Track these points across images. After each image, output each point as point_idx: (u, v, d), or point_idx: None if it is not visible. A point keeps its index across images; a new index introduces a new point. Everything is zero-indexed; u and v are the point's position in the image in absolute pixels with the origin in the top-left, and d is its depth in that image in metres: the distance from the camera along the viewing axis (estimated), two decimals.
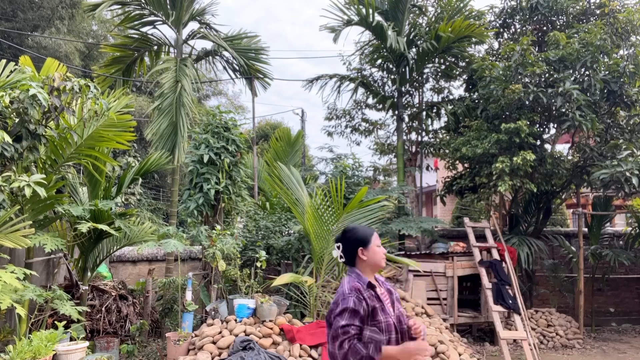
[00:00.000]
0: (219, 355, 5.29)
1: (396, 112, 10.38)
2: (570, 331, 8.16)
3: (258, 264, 6.42)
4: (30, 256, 5.48)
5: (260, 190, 10.43)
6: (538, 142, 8.63)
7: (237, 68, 9.70)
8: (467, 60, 9.93)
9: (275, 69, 42.99)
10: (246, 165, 7.88)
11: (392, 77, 10.66)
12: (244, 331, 5.57)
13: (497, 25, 9.70)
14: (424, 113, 10.56)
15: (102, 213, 5.94)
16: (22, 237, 4.58)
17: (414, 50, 9.82)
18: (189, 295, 6.06)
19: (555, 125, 8.76)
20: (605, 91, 7.89)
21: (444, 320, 7.56)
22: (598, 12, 8.65)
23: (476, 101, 9.10)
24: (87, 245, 6.30)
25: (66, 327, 5.11)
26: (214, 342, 5.46)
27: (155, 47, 9.32)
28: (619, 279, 9.92)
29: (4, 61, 5.39)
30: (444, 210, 16.36)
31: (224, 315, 5.97)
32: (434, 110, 10.47)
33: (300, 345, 5.57)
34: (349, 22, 9.48)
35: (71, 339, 5.16)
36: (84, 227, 5.48)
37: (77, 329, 5.29)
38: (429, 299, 7.88)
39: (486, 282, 7.56)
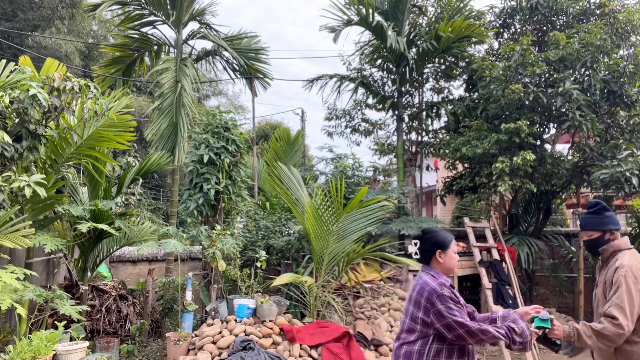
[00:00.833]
0: (219, 355, 5.29)
1: (396, 112, 10.38)
2: None
3: (258, 264, 6.42)
4: (30, 256, 5.48)
5: (260, 190, 10.43)
6: (538, 142, 8.63)
7: (237, 68, 9.70)
8: (467, 60, 9.93)
9: (275, 69, 43.05)
10: (246, 165, 7.88)
11: (392, 77, 10.66)
12: (244, 331, 5.57)
13: (497, 25, 9.70)
14: (424, 113, 10.56)
15: (102, 213, 5.94)
16: (22, 237, 4.58)
17: (414, 50, 9.82)
18: (189, 295, 6.06)
19: (555, 125, 8.76)
20: (605, 91, 7.89)
21: None
22: (598, 12, 8.65)
23: (476, 101, 9.10)
24: (87, 245, 6.30)
25: (66, 327, 5.10)
26: (214, 342, 5.46)
27: (155, 47, 9.32)
28: None
29: (4, 61, 5.39)
30: (444, 210, 16.35)
31: (224, 315, 5.97)
32: (434, 110, 10.46)
33: (300, 345, 5.57)
34: (349, 22, 9.48)
35: (71, 339, 5.16)
36: (84, 227, 5.48)
37: (77, 329, 5.29)
38: None
39: (486, 282, 7.56)
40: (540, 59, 7.85)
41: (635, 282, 2.64)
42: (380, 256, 7.00)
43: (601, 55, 7.86)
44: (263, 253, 6.44)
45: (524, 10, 9.04)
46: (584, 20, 8.84)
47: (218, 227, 6.50)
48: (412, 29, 9.84)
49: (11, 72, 5.30)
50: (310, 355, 5.53)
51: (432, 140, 11.01)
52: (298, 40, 70.92)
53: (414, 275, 7.91)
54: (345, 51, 35.92)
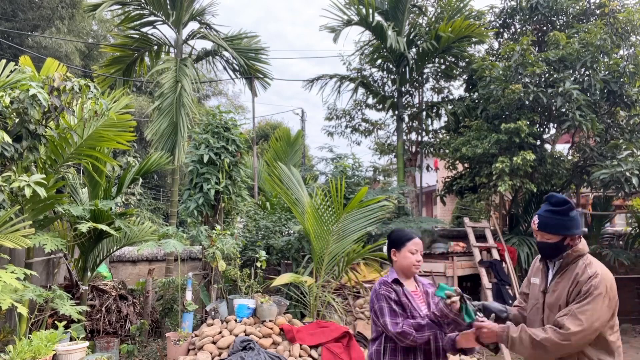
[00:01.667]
0: (219, 355, 5.29)
1: (396, 112, 10.38)
2: None
3: (258, 264, 6.41)
4: (30, 256, 5.48)
5: (260, 190, 10.43)
6: (538, 142, 8.63)
7: (237, 68, 9.69)
8: (467, 60, 9.94)
9: (275, 69, 43.02)
10: (246, 165, 7.88)
11: (392, 77, 10.66)
12: (244, 331, 5.57)
13: (497, 25, 9.70)
14: (424, 113, 10.57)
15: (102, 213, 5.93)
16: (22, 237, 4.58)
17: (414, 50, 9.82)
18: (189, 295, 6.06)
19: (555, 125, 8.76)
20: (605, 91, 7.89)
21: None
22: (598, 12, 8.65)
23: (476, 101, 9.11)
24: (87, 245, 6.30)
25: (66, 327, 5.10)
26: (214, 342, 5.45)
27: (155, 47, 9.32)
28: (619, 279, 9.85)
29: (4, 61, 5.39)
30: (444, 210, 16.35)
31: (224, 315, 5.97)
32: (434, 110, 10.47)
33: (300, 345, 5.57)
34: (349, 22, 9.49)
35: (71, 339, 5.16)
36: (84, 227, 5.48)
37: (77, 329, 5.29)
38: None
39: (486, 282, 7.56)
40: (540, 59, 7.85)
41: (606, 295, 2.29)
42: (380, 256, 7.00)
43: (601, 55, 7.87)
44: (263, 253, 6.44)
45: (524, 10, 9.04)
46: (584, 20, 8.85)
47: (218, 227, 6.50)
48: (412, 29, 9.84)
49: (11, 72, 5.30)
50: (310, 355, 5.53)
51: (432, 140, 11.02)
52: (298, 40, 70.96)
53: None
54: (345, 51, 35.91)
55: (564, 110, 7.61)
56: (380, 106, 11.14)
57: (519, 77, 7.94)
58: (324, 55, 70.38)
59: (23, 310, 4.35)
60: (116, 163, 6.53)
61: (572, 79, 7.81)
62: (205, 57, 9.68)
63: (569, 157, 8.97)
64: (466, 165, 9.38)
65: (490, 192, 8.36)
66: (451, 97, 10.90)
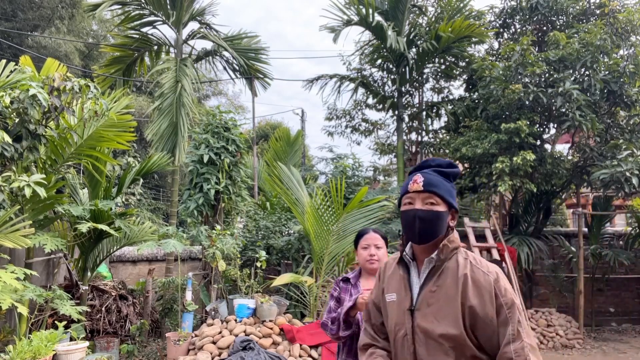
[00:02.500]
0: (219, 355, 5.29)
1: (396, 112, 10.39)
2: (570, 331, 8.16)
3: (258, 264, 6.41)
4: (30, 256, 5.48)
5: (260, 190, 10.43)
6: (538, 142, 8.63)
7: (237, 68, 9.70)
8: (467, 60, 9.94)
9: (275, 69, 43.07)
10: (246, 165, 7.88)
11: (392, 77, 10.66)
12: (244, 331, 5.57)
13: (497, 25, 9.70)
14: (424, 113, 10.57)
15: (102, 213, 5.94)
16: (22, 237, 4.58)
17: (414, 50, 9.82)
18: (189, 295, 6.06)
19: (555, 125, 8.76)
20: (605, 91, 7.89)
21: None
22: (598, 12, 8.65)
23: (476, 101, 9.11)
24: (87, 245, 6.30)
25: (66, 327, 5.10)
26: (214, 342, 5.46)
27: (155, 47, 9.32)
28: (619, 279, 9.91)
29: (4, 61, 5.39)
30: None
31: (224, 315, 5.97)
32: (434, 110, 10.47)
33: (300, 345, 5.57)
34: (348, 22, 9.49)
35: (71, 339, 5.16)
36: (84, 227, 5.48)
37: (77, 329, 5.29)
38: None
39: None
40: (540, 59, 7.85)
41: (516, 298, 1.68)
42: None
43: (601, 55, 7.87)
44: (263, 253, 6.44)
45: (524, 10, 9.04)
46: (584, 20, 8.85)
47: (218, 227, 6.50)
48: (412, 29, 9.84)
49: (11, 72, 5.30)
50: (310, 355, 5.53)
51: (432, 140, 11.02)
52: (298, 40, 70.97)
53: None
54: (345, 51, 35.94)
55: (564, 110, 7.61)
56: (380, 106, 11.15)
57: (519, 77, 7.94)
58: (324, 55, 70.43)
59: (23, 310, 4.35)
60: (116, 163, 6.54)
61: (572, 79, 7.81)
62: (205, 57, 9.68)
63: (569, 157, 8.97)
64: (466, 165, 9.38)
65: (490, 192, 8.36)
66: (451, 97, 10.90)
